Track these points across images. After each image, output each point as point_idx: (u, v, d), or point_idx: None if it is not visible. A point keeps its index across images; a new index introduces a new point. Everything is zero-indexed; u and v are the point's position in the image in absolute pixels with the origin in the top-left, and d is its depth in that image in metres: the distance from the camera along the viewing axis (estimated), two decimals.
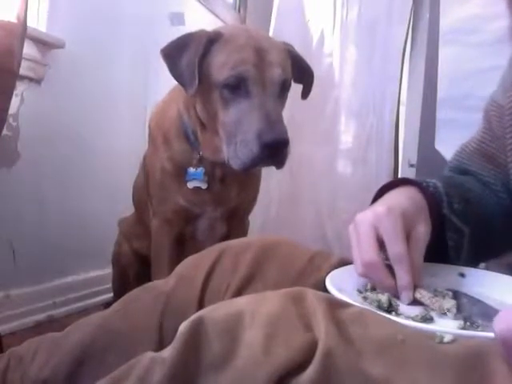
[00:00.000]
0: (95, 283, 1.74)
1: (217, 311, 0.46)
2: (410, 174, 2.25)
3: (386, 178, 2.34)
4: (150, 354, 0.47)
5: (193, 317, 0.45)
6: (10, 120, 1.39)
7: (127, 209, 1.53)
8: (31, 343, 0.72)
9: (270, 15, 2.57)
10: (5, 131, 1.22)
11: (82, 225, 1.67)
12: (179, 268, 0.74)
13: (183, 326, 0.45)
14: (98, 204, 1.72)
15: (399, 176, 2.37)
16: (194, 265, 0.73)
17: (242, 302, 0.48)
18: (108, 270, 1.58)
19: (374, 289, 0.60)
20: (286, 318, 0.43)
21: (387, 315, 0.49)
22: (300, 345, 0.41)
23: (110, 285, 1.59)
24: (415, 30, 2.37)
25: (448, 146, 2.06)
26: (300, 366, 0.40)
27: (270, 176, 2.46)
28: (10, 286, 1.43)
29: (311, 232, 2.44)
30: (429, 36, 2.18)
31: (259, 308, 0.45)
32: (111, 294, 1.58)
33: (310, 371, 0.39)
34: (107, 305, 1.38)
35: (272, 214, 2.39)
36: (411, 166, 2.27)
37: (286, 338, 0.41)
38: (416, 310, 0.54)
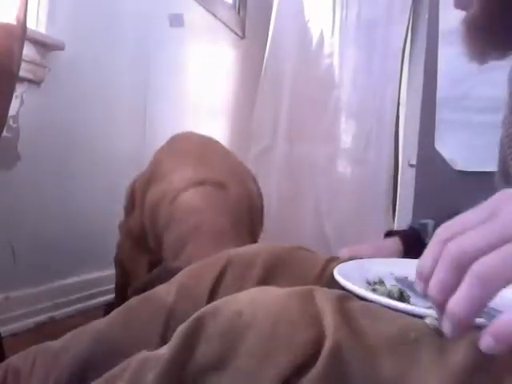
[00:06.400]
0: (95, 284, 1.74)
1: (218, 310, 0.45)
2: (410, 174, 2.26)
3: (385, 178, 2.34)
4: (144, 353, 0.46)
5: (193, 316, 0.45)
6: (10, 122, 1.39)
7: None
8: (28, 355, 0.70)
9: (270, 16, 2.58)
10: (5, 133, 1.22)
11: (82, 226, 1.67)
12: (182, 278, 0.71)
13: (182, 325, 0.44)
14: (98, 205, 1.72)
15: (399, 177, 2.37)
16: (197, 275, 0.69)
17: (245, 299, 0.46)
18: (108, 272, 1.58)
19: (382, 282, 0.59)
20: (290, 315, 0.42)
21: (399, 303, 0.48)
22: (306, 340, 0.40)
23: (110, 286, 1.59)
24: (414, 30, 2.37)
25: (447, 146, 2.07)
26: (307, 362, 0.39)
27: (269, 176, 2.47)
28: (10, 288, 1.43)
29: (311, 231, 2.44)
30: (428, 36, 2.18)
31: (262, 306, 0.44)
32: (112, 295, 1.58)
33: (319, 366, 0.38)
34: (108, 306, 1.38)
35: (272, 214, 2.39)
36: (411, 166, 2.27)
37: (291, 335, 0.41)
38: (429, 302, 0.53)
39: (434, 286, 0.36)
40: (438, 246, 0.37)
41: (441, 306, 0.36)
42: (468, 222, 0.37)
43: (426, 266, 0.37)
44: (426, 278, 0.37)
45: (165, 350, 0.44)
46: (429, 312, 0.43)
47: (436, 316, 0.40)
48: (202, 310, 0.46)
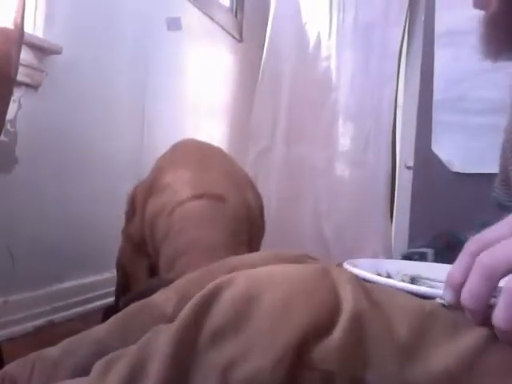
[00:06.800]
0: (94, 288, 1.74)
1: (235, 279, 0.45)
2: (407, 176, 2.26)
3: (383, 180, 2.35)
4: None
5: (209, 285, 0.44)
6: (8, 126, 1.39)
7: None
8: (26, 363, 0.68)
9: (267, 19, 2.58)
10: (2, 137, 1.22)
11: (81, 230, 1.67)
12: (183, 286, 0.70)
13: (198, 294, 0.44)
14: (96, 209, 1.72)
15: (397, 178, 2.38)
16: (200, 284, 0.67)
17: (263, 269, 0.47)
18: (106, 275, 1.58)
19: (389, 277, 0.60)
20: (307, 284, 0.42)
21: (411, 285, 0.48)
22: (323, 306, 0.40)
23: (108, 290, 1.59)
24: (411, 32, 2.38)
25: (444, 148, 2.07)
26: (323, 328, 0.39)
27: (268, 177, 2.47)
28: (8, 292, 1.43)
29: (310, 232, 2.45)
30: (424, 38, 2.19)
31: (280, 275, 0.44)
32: (110, 299, 1.58)
33: (340, 330, 0.38)
34: (107, 309, 1.38)
35: (271, 215, 2.40)
36: (408, 168, 2.28)
37: (308, 300, 0.40)
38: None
39: (467, 296, 0.37)
40: (468, 257, 0.38)
41: (473, 316, 0.38)
42: (496, 235, 0.38)
43: (456, 275, 0.39)
44: (455, 287, 0.39)
45: (178, 318, 0.43)
46: (441, 293, 0.43)
47: (448, 297, 0.41)
48: (219, 280, 0.45)
